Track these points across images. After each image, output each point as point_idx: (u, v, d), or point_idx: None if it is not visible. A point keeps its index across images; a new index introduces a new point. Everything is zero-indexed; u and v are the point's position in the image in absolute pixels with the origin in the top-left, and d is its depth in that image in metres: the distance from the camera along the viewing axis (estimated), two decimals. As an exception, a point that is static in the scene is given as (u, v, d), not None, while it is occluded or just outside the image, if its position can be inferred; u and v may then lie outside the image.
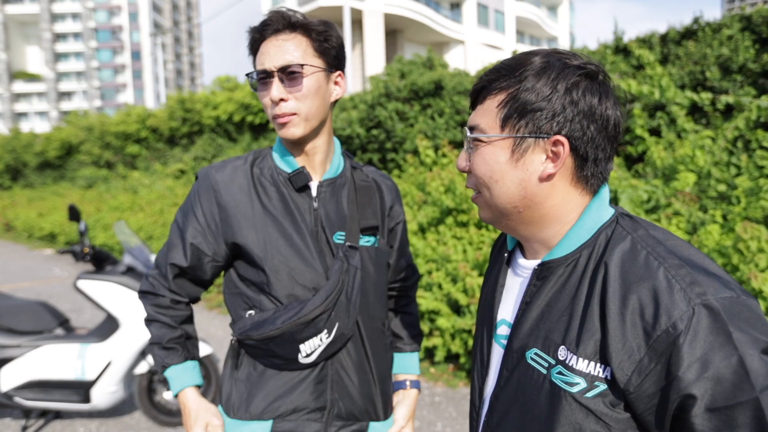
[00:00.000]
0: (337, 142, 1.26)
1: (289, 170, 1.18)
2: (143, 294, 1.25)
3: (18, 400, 2.94)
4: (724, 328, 0.61)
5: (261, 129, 10.79)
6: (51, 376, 2.95)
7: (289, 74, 1.08)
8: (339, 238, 1.18)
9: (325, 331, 1.12)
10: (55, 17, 67.42)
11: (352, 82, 17.45)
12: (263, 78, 1.10)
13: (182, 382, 1.22)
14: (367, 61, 26.82)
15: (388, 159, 7.56)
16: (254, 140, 10.57)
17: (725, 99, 4.19)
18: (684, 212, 3.39)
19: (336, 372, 1.18)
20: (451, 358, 3.97)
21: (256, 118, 10.59)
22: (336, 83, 1.18)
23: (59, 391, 2.96)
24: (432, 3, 32.15)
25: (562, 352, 0.72)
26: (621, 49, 5.90)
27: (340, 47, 1.16)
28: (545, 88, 0.72)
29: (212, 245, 1.17)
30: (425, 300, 3.81)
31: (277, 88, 1.08)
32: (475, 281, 3.62)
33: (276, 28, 1.10)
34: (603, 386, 0.68)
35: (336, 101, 1.17)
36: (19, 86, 67.96)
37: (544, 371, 0.73)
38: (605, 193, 0.79)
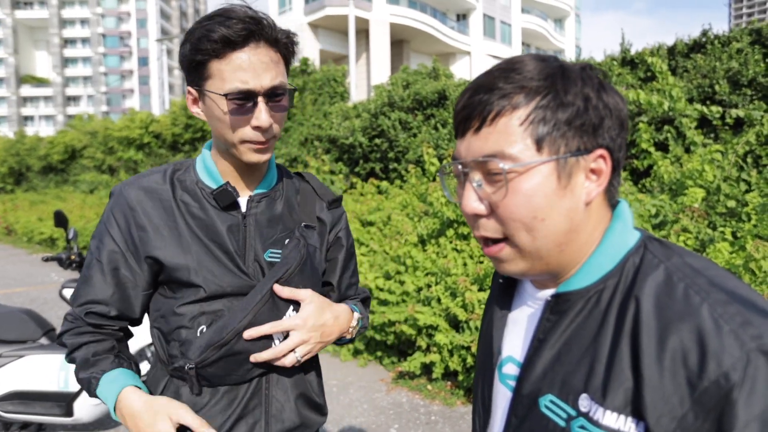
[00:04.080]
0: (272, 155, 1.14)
1: (214, 186, 1.06)
2: (63, 335, 1.07)
3: (-2, 412, 2.83)
4: None
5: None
6: (33, 388, 2.85)
7: (276, 97, 0.97)
8: (272, 256, 1.06)
9: (291, 307, 1.02)
10: (64, 22, 68.10)
11: (356, 91, 17.47)
12: (242, 98, 0.94)
13: (118, 384, 1.00)
14: (373, 71, 26.90)
15: (390, 168, 7.48)
16: (256, 147, 10.50)
17: (735, 113, 4.09)
18: (692, 229, 3.28)
19: (269, 390, 1.07)
20: (449, 375, 3.84)
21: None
22: None
23: (41, 404, 2.87)
24: (438, 14, 32.30)
25: (584, 402, 0.60)
26: (628, 62, 5.82)
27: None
28: (576, 96, 0.61)
29: (135, 272, 1.03)
30: (423, 315, 3.70)
31: (266, 114, 0.96)
32: (476, 296, 3.51)
33: (258, 38, 0.94)
34: None
35: None
36: (27, 90, 68.51)
37: (562, 423, 0.62)
38: (627, 212, 0.68)
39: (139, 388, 1.01)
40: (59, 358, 2.89)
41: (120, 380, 1.01)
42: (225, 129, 0.98)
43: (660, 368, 0.55)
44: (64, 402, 2.85)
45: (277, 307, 1.01)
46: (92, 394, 1.02)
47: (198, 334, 1.01)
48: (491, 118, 0.62)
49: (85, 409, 2.86)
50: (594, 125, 0.61)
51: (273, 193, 1.11)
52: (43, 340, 3.07)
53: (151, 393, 1.05)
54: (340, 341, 1.16)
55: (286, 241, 1.08)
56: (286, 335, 1.02)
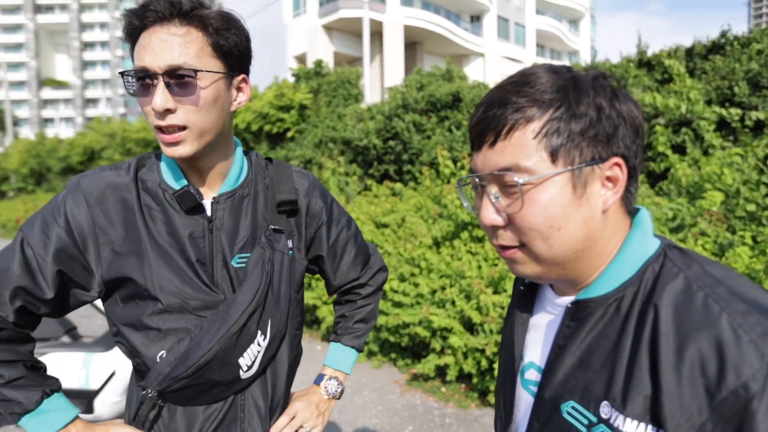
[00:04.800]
0: (237, 148, 1.04)
1: (176, 186, 0.96)
2: None
3: None
4: None
5: (278, 138, 10.82)
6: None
7: (179, 78, 0.85)
8: (240, 261, 0.99)
9: (260, 333, 0.97)
10: (84, 26, 69.28)
11: (370, 93, 17.51)
12: (143, 78, 0.86)
13: (61, 419, 0.93)
14: (387, 73, 26.93)
15: (404, 171, 7.49)
16: (271, 149, 10.60)
17: (755, 115, 4.02)
18: (711, 233, 3.24)
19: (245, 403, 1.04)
20: (464, 377, 3.84)
21: (273, 127, 10.63)
22: (239, 89, 0.97)
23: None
24: (452, 15, 32.24)
25: (605, 409, 0.61)
26: (645, 63, 5.77)
27: (245, 45, 0.94)
28: (588, 106, 0.62)
29: (82, 273, 0.93)
30: (437, 317, 3.70)
31: (162, 96, 0.85)
32: (490, 299, 3.50)
33: (162, 15, 0.85)
34: None
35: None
36: (47, 93, 69.79)
37: (583, 429, 0.63)
38: (647, 220, 0.68)
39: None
40: (80, 355, 2.94)
41: (59, 415, 0.94)
42: (147, 118, 0.91)
43: (678, 377, 0.55)
44: (85, 399, 2.90)
45: (248, 333, 0.95)
46: (13, 420, 0.92)
47: (158, 359, 0.94)
48: (506, 132, 0.63)
49: (105, 406, 2.91)
50: (608, 134, 0.62)
51: (239, 190, 1.01)
52: (65, 338, 3.15)
53: (128, 400, 1.04)
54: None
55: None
56: (266, 336, 0.99)
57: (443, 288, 3.99)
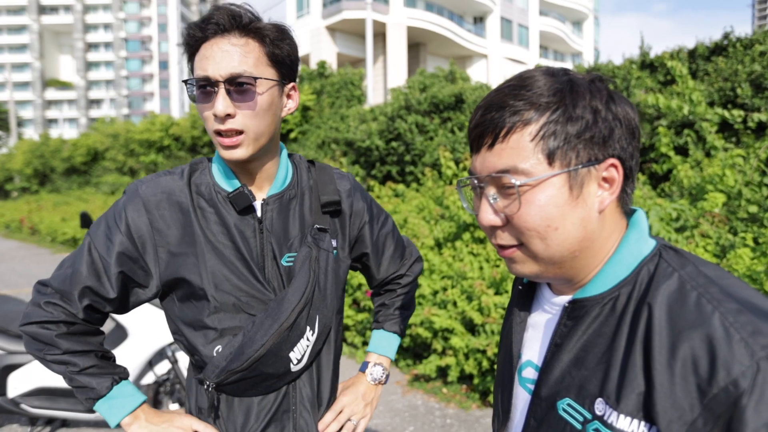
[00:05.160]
0: (283, 151, 1.10)
1: (229, 189, 1.02)
2: (37, 325, 1.00)
3: (24, 407, 2.92)
4: None
5: (281, 139, 10.84)
6: (58, 384, 2.93)
7: (238, 86, 0.92)
8: (289, 260, 1.05)
9: (308, 328, 1.03)
10: (88, 27, 69.56)
11: (373, 94, 17.53)
12: (204, 86, 0.93)
13: (130, 403, 1.03)
14: (390, 74, 26.96)
15: (406, 171, 7.51)
16: (274, 150, 10.62)
17: (758, 117, 4.02)
18: (713, 234, 3.24)
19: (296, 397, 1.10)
20: (465, 378, 3.84)
21: (276, 128, 10.65)
22: (289, 96, 1.03)
23: (66, 400, 2.94)
24: (455, 17, 32.26)
25: (599, 406, 0.62)
26: (647, 65, 5.77)
27: (295, 55, 1.01)
28: (584, 109, 0.63)
29: (141, 274, 1.00)
30: (439, 318, 3.71)
31: (223, 102, 0.91)
32: (491, 300, 3.51)
33: (223, 27, 0.92)
34: None
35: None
36: (51, 93, 70.09)
37: (578, 426, 0.64)
38: (643, 221, 0.70)
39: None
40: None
41: (128, 401, 1.03)
42: (205, 124, 0.98)
43: (671, 374, 0.57)
44: (87, 398, 2.92)
45: (298, 328, 1.01)
46: (88, 406, 1.03)
47: (214, 353, 1.01)
48: (503, 135, 0.64)
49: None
50: (604, 136, 0.63)
51: (286, 192, 1.07)
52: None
53: (188, 393, 1.12)
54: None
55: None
56: (314, 331, 1.04)
57: (445, 289, 4.00)
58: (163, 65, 69.25)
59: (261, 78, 0.93)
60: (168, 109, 64.86)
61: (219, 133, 0.95)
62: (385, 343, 1.28)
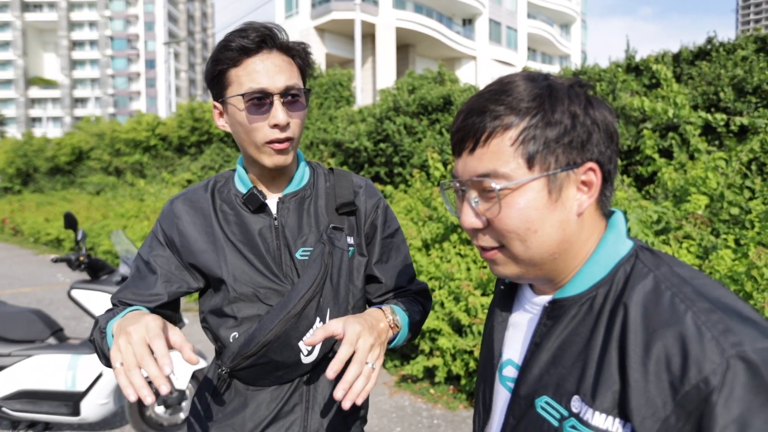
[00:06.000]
0: (299, 154, 1.20)
1: (245, 191, 1.13)
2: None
3: (6, 410, 2.87)
4: (765, 386, 0.53)
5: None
6: (40, 387, 2.88)
7: (292, 97, 1.03)
8: (304, 254, 1.10)
9: (318, 319, 1.05)
10: (73, 25, 68.68)
11: (362, 95, 17.51)
12: (259, 99, 1.01)
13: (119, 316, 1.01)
14: (379, 75, 26.99)
15: (395, 173, 7.52)
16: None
17: (740, 120, 4.09)
18: (695, 236, 3.29)
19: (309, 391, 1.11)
20: (452, 379, 3.86)
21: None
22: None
23: (48, 403, 2.90)
24: (444, 18, 32.38)
25: (576, 404, 0.64)
26: (633, 68, 5.84)
27: (311, 68, 1.14)
28: (562, 114, 0.64)
29: (178, 276, 1.12)
30: (426, 319, 3.72)
31: (283, 112, 1.01)
32: (479, 301, 3.53)
33: (271, 45, 1.03)
34: None
35: None
36: (35, 92, 69.05)
37: (555, 423, 0.65)
38: (621, 223, 0.71)
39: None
40: (67, 357, 2.92)
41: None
42: (247, 133, 1.04)
43: (645, 372, 0.58)
44: (71, 401, 2.88)
45: (306, 318, 1.03)
46: (99, 338, 1.01)
47: (231, 340, 1.08)
48: (484, 140, 0.65)
49: (91, 408, 2.89)
50: (582, 141, 0.65)
51: (303, 191, 1.14)
52: (51, 340, 3.11)
53: (211, 382, 1.15)
54: (393, 342, 1.08)
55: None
56: (324, 324, 0.99)
57: (432, 290, 4.01)
58: (150, 64, 68.60)
59: (305, 89, 1.07)
60: (155, 109, 64.23)
61: (271, 141, 1.03)
62: (399, 314, 1.10)
